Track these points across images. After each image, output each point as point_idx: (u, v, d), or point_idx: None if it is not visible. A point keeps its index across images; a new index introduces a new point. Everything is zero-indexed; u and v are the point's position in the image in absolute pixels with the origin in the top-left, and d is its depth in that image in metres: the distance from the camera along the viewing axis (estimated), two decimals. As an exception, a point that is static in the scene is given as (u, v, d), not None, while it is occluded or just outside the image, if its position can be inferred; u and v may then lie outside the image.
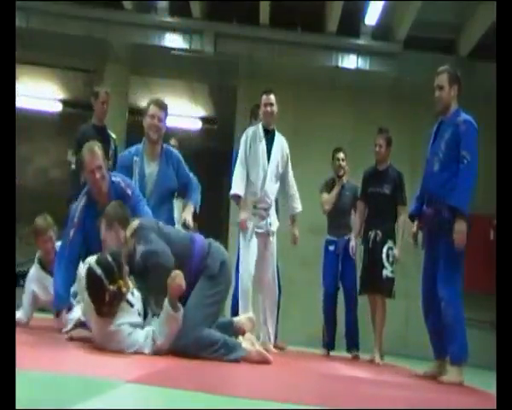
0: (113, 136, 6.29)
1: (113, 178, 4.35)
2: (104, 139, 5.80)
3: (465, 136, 4.43)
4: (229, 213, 10.44)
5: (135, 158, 4.79)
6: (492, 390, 3.34)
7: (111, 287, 3.26)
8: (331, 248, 6.46)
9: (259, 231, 5.53)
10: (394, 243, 5.86)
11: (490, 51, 7.21)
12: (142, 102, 13.47)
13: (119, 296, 3.32)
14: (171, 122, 13.93)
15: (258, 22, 9.85)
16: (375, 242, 5.90)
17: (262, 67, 10.65)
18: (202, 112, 13.41)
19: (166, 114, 5.01)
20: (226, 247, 10.25)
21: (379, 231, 5.88)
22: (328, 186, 6.56)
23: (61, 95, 13.21)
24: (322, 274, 6.58)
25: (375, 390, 3.37)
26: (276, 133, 5.77)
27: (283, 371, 4.09)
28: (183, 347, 3.49)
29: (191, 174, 5.08)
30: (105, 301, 3.29)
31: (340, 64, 10.23)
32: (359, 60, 10.18)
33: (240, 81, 10.82)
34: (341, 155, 6.53)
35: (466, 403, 3.40)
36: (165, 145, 5.01)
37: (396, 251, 5.83)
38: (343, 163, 6.49)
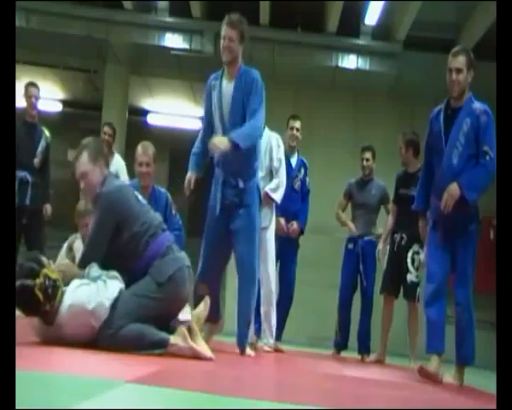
0: (47, 133, 6.13)
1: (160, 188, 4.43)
2: (33, 135, 5.77)
3: (486, 129, 4.08)
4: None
5: (213, 82, 4.58)
6: (492, 390, 3.34)
7: (37, 281, 3.13)
8: (350, 246, 6.28)
9: None
10: (421, 246, 5.81)
11: (490, 51, 7.20)
12: (143, 102, 13.52)
13: (53, 284, 3.19)
14: (172, 122, 14.02)
15: (258, 22, 9.85)
16: (400, 245, 5.87)
17: (262, 67, 10.64)
18: (202, 112, 13.40)
19: (242, 35, 4.64)
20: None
21: (404, 235, 5.85)
22: (356, 186, 6.43)
23: (61, 95, 13.22)
24: (341, 272, 6.38)
25: (375, 390, 3.37)
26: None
27: (283, 371, 4.09)
28: (109, 337, 3.29)
29: (261, 108, 4.41)
30: (41, 300, 3.13)
31: (340, 64, 10.24)
32: (359, 60, 10.19)
33: (240, 81, 10.82)
34: (366, 154, 6.37)
35: (466, 403, 3.40)
36: (243, 66, 4.56)
37: (422, 256, 5.72)
38: (367, 163, 6.34)
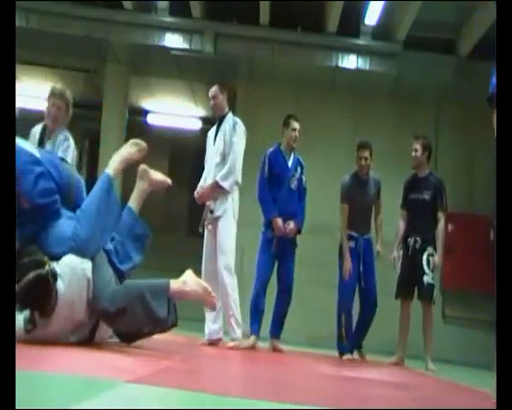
0: None
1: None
2: None
3: None
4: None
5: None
6: (492, 390, 3.34)
7: (46, 268, 3.20)
8: (351, 244, 6.07)
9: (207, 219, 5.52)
10: (434, 249, 5.83)
11: (490, 51, 7.19)
12: (143, 102, 13.52)
13: (54, 271, 3.25)
14: (172, 122, 14.02)
15: (258, 22, 9.86)
16: (414, 248, 5.87)
17: (262, 67, 10.66)
18: (202, 112, 13.41)
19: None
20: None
21: (418, 238, 5.87)
22: (351, 186, 6.18)
23: (61, 95, 13.20)
24: (340, 274, 6.10)
25: (375, 390, 3.38)
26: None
27: (283, 371, 4.09)
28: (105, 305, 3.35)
29: None
30: (52, 288, 3.21)
31: (340, 64, 10.23)
32: (359, 60, 10.19)
33: (240, 81, 10.83)
34: (365, 153, 6.15)
35: (466, 403, 3.40)
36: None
37: (437, 258, 5.80)
38: (365, 162, 6.15)
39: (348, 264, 5.98)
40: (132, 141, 3.98)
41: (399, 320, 6.03)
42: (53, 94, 5.36)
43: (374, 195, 6.25)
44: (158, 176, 4.09)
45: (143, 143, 3.97)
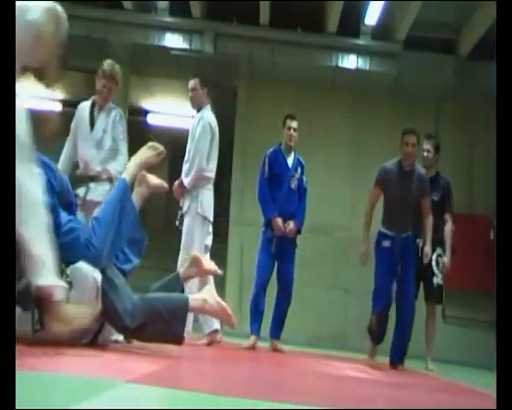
0: None
1: None
2: None
3: None
4: (229, 213, 10.44)
5: None
6: (492, 390, 3.34)
7: None
8: (386, 244, 5.51)
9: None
10: (443, 250, 5.78)
11: (490, 51, 7.20)
12: (143, 102, 13.51)
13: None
14: (172, 122, 14.00)
15: (258, 22, 9.86)
16: (424, 249, 5.65)
17: (262, 67, 10.65)
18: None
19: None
20: (226, 246, 10.33)
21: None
22: (390, 173, 5.52)
23: (61, 95, 13.21)
24: (375, 273, 5.57)
25: (375, 390, 3.37)
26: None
27: (283, 371, 4.09)
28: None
29: None
30: None
31: (340, 64, 10.24)
32: (359, 60, 10.19)
33: (240, 81, 10.82)
34: (411, 138, 5.43)
35: (466, 403, 3.40)
36: None
37: (446, 259, 5.75)
38: (412, 149, 5.43)
39: (364, 247, 5.58)
40: (150, 144, 3.91)
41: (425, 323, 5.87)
42: (104, 75, 5.46)
43: (417, 191, 5.52)
44: (156, 181, 4.06)
45: (161, 147, 3.91)
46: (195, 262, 3.95)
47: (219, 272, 4.12)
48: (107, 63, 5.50)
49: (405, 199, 5.49)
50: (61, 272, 3.16)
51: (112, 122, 5.42)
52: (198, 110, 5.68)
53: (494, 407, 2.25)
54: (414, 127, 5.60)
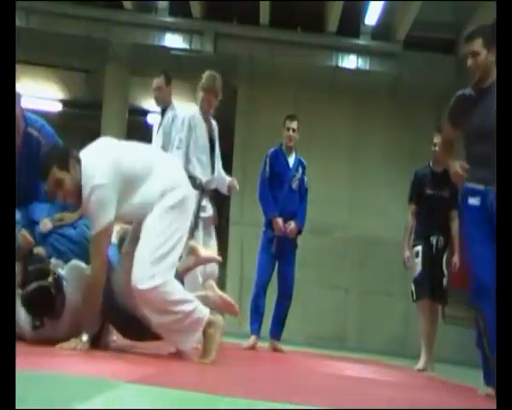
0: None
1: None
2: None
3: None
4: (229, 213, 10.44)
5: None
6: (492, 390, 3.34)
7: (49, 279, 3.17)
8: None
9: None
10: (450, 250, 5.58)
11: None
12: (143, 102, 13.51)
13: (59, 276, 3.24)
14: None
15: (258, 22, 9.86)
16: (437, 248, 5.56)
17: (262, 67, 10.66)
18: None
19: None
20: (226, 247, 10.32)
21: (441, 237, 5.56)
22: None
23: (61, 95, 13.21)
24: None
25: (375, 390, 3.37)
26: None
27: (283, 371, 4.09)
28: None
29: None
30: (54, 297, 3.17)
31: (340, 64, 10.25)
32: (359, 60, 10.20)
33: (240, 81, 10.83)
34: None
35: (466, 403, 3.40)
36: None
37: (456, 258, 5.51)
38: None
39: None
40: None
41: (424, 323, 5.63)
42: (202, 88, 5.41)
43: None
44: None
45: None
46: (193, 252, 3.96)
47: (218, 258, 4.13)
48: (206, 76, 5.39)
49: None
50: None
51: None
52: (164, 109, 5.66)
53: (494, 406, 2.26)
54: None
